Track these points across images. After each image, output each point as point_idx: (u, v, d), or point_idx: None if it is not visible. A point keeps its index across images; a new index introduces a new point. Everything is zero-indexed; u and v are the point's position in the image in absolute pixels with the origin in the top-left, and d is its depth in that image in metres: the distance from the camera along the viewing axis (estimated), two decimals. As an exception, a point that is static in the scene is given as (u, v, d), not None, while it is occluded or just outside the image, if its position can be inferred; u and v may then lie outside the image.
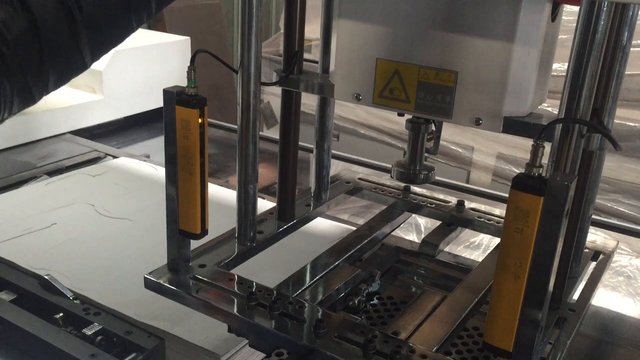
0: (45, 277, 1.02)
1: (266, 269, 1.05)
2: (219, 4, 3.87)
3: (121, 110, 1.97)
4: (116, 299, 1.01)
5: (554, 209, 0.63)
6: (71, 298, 1.00)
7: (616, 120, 2.17)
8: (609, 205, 2.35)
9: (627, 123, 2.24)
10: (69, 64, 0.64)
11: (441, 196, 1.20)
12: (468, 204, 1.16)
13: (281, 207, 1.08)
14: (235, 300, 0.85)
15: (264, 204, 1.24)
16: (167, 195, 0.88)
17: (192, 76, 0.84)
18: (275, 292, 0.87)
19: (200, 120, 0.83)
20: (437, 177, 1.67)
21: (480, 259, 1.23)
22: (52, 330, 0.93)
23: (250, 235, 1.00)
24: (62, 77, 0.66)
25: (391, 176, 0.97)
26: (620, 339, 1.04)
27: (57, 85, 0.70)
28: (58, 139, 1.79)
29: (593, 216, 1.48)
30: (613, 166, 2.26)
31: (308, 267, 0.99)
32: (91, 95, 1.90)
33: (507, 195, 0.66)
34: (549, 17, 0.80)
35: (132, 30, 0.69)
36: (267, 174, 1.65)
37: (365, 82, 0.89)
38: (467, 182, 2.67)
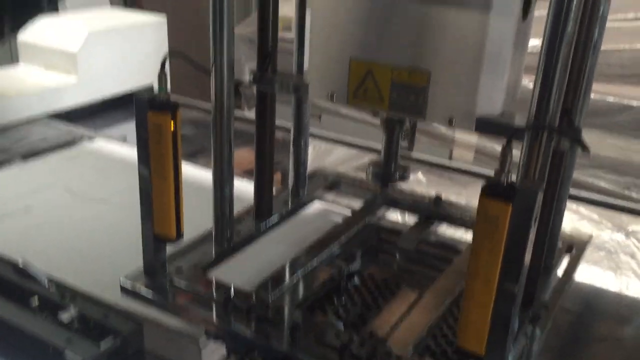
0: (20, 261, 1.01)
1: (247, 265, 1.05)
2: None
3: (97, 92, 1.94)
4: (92, 283, 1.00)
5: (522, 215, 0.64)
6: (46, 282, 0.99)
7: (596, 96, 2.20)
8: (589, 180, 2.37)
9: (607, 99, 2.25)
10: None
11: (419, 190, 1.21)
12: (446, 197, 1.17)
13: (258, 206, 1.08)
14: (213, 305, 0.86)
15: (245, 188, 1.22)
16: (141, 200, 0.88)
17: (163, 82, 0.83)
18: (253, 295, 0.88)
19: (172, 125, 0.83)
20: (419, 155, 1.68)
21: (459, 236, 1.23)
22: (27, 316, 0.92)
23: (228, 236, 1.00)
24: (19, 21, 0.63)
25: (366, 175, 0.97)
26: (601, 313, 1.06)
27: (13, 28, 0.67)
28: (33, 122, 1.77)
29: (573, 192, 1.50)
30: (593, 141, 2.27)
31: (287, 266, 0.99)
32: (66, 77, 1.88)
33: (489, 172, 0.66)
34: (520, 15, 0.80)
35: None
36: (247, 158, 1.64)
37: (340, 82, 0.89)
38: (450, 159, 2.68)
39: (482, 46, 0.77)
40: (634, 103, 2.16)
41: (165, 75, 0.83)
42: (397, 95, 0.85)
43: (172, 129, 0.83)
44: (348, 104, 0.88)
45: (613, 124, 2.19)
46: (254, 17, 3.37)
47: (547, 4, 0.71)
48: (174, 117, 0.82)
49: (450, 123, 0.83)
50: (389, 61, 0.84)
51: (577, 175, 2.30)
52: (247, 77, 1.00)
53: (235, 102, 0.96)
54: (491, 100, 0.81)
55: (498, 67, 0.79)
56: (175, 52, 0.84)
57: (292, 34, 1.07)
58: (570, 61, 0.74)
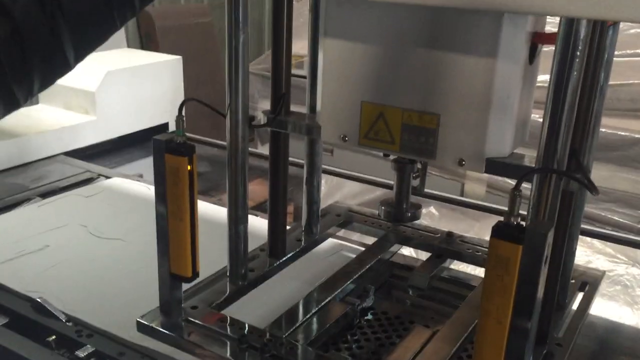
0: (38, 299, 1.04)
1: (261, 302, 1.06)
2: (212, 22, 3.90)
3: (114, 130, 1.99)
4: (109, 321, 1.02)
5: (532, 256, 0.65)
6: (64, 320, 1.01)
7: (608, 130, 2.22)
8: (603, 214, 2.37)
9: (619, 132, 2.26)
10: (52, 66, 0.64)
11: (432, 226, 1.22)
12: (458, 231, 1.18)
13: (272, 244, 1.10)
14: (228, 343, 0.87)
15: (258, 223, 1.24)
16: (157, 240, 0.90)
17: (180, 125, 0.85)
18: (267, 333, 0.89)
19: (189, 168, 0.85)
20: (431, 191, 1.70)
21: (472, 269, 1.23)
22: (45, 353, 0.94)
23: (242, 273, 1.02)
24: (47, 80, 0.67)
25: (379, 215, 0.98)
26: (618, 348, 1.05)
27: (41, 88, 0.71)
28: (51, 160, 1.81)
29: (588, 227, 1.50)
30: (606, 175, 2.29)
31: (300, 304, 1.01)
32: (84, 116, 1.93)
33: (501, 207, 0.67)
34: (527, 60, 0.83)
35: (116, 28, 0.69)
36: (261, 190, 1.66)
37: (351, 124, 0.91)
38: (461, 194, 2.69)
39: (489, 91, 0.79)
40: (645, 136, 2.18)
41: (183, 118, 0.86)
42: (407, 138, 0.87)
43: (188, 171, 0.85)
44: (360, 145, 0.91)
45: (625, 157, 2.20)
46: (267, 54, 3.44)
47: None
48: (190, 160, 0.85)
49: (460, 164, 0.85)
50: (400, 104, 0.87)
51: (591, 209, 2.31)
52: (260, 112, 1.03)
53: (249, 137, 0.99)
54: (500, 142, 0.82)
55: (506, 110, 0.81)
56: (192, 98, 0.87)
57: (302, 71, 1.10)
58: (577, 103, 0.76)
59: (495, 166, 0.83)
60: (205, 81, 3.39)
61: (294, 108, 1.05)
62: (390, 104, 0.87)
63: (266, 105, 1.05)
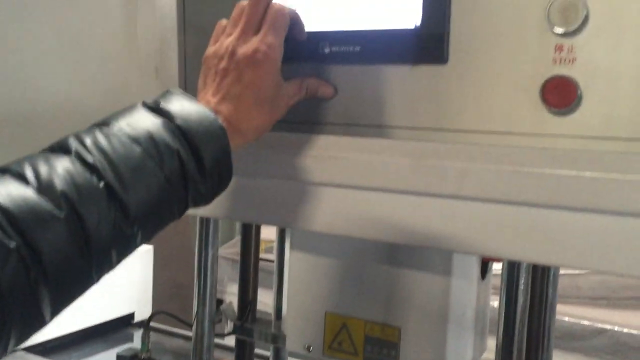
0: None
1: None
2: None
3: (78, 323, 1.94)
4: None
5: None
6: None
7: (570, 319, 2.24)
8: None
9: (581, 322, 2.29)
10: (30, 326, 0.65)
11: None
12: None
13: None
14: None
15: None
16: None
17: (145, 339, 0.87)
18: None
19: (152, 384, 0.85)
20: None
21: None
22: None
23: None
24: (23, 338, 0.68)
25: None
26: None
27: (17, 344, 0.72)
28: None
29: None
30: (571, 365, 2.27)
31: None
32: None
33: None
34: (479, 276, 0.88)
35: (94, 283, 0.72)
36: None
37: (316, 334, 0.93)
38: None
39: (446, 307, 0.83)
40: (607, 326, 2.21)
41: (149, 333, 0.87)
42: (370, 349, 0.89)
43: (152, 387, 0.85)
44: (324, 356, 0.92)
45: (590, 347, 2.21)
46: (236, 240, 3.50)
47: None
48: (154, 377, 0.85)
49: (422, 378, 0.86)
50: (362, 316, 0.90)
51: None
52: (228, 297, 1.05)
53: (216, 319, 1.00)
54: (460, 356, 0.85)
55: (463, 324, 0.85)
56: (160, 311, 0.89)
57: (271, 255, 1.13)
58: (527, 320, 0.80)
59: (456, 381, 0.84)
60: (173, 261, 3.41)
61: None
62: (353, 316, 0.91)
63: (234, 288, 1.08)
